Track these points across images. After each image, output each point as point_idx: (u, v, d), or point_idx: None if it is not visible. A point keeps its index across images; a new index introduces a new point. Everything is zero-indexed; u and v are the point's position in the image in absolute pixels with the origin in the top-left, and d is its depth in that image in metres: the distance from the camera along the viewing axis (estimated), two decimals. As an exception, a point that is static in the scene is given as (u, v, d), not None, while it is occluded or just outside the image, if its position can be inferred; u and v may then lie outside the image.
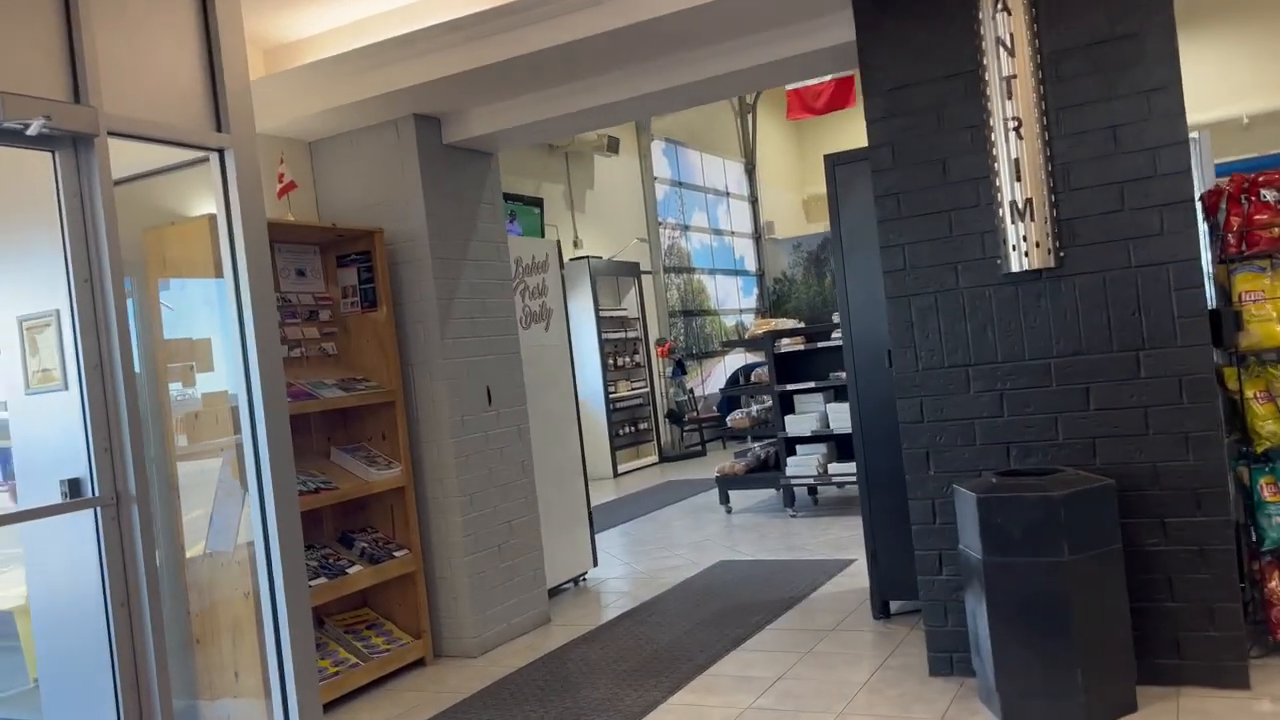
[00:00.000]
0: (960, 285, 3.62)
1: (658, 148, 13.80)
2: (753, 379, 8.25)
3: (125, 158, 3.15)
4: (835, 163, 4.64)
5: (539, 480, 5.50)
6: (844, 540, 6.41)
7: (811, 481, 7.35)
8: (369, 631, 4.55)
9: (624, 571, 6.27)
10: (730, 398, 13.86)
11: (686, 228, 14.38)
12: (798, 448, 7.57)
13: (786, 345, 7.49)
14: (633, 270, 12.20)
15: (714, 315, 14.91)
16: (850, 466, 7.13)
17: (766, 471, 7.88)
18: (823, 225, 17.77)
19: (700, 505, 8.49)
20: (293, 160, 4.84)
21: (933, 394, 3.68)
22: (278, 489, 3.26)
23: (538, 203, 10.79)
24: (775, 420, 7.54)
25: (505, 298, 5.12)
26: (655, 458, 12.17)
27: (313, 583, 4.13)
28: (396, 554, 4.56)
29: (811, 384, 7.40)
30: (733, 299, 15.59)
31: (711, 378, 14.42)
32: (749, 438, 8.42)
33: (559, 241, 6.29)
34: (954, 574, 3.67)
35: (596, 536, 7.32)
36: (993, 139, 3.50)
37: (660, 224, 13.48)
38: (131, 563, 3.06)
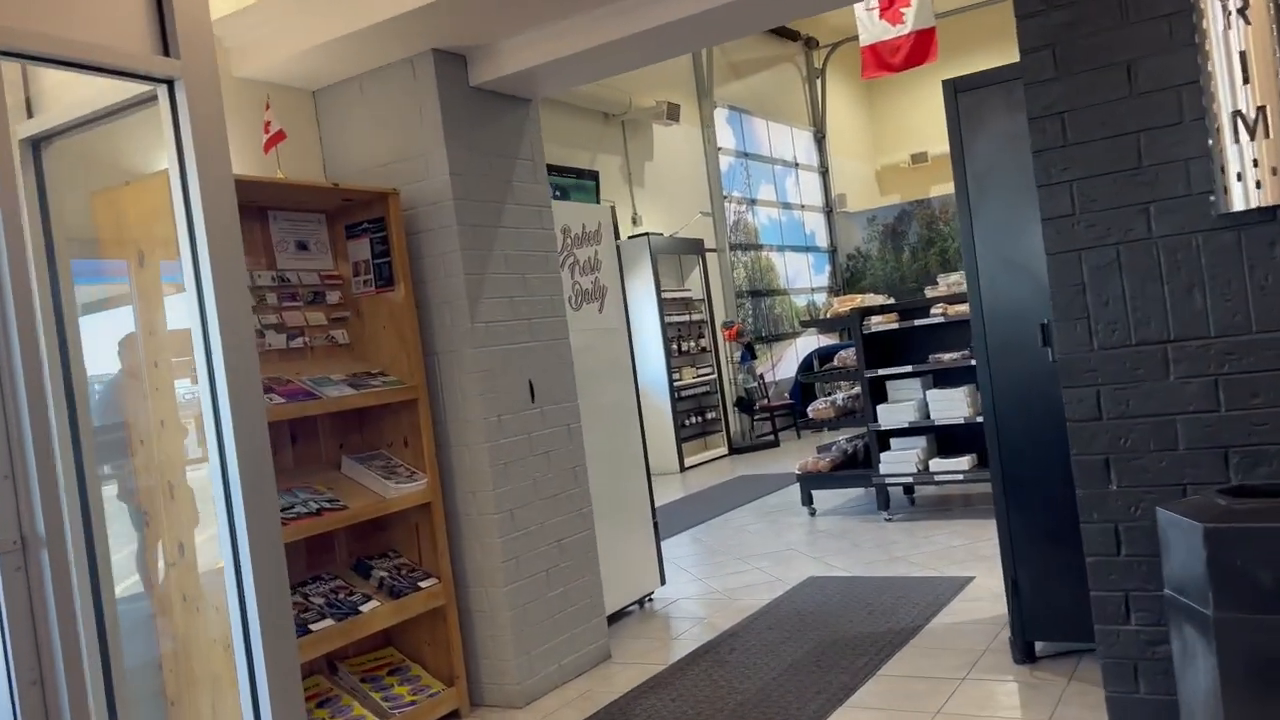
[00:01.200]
0: (1154, 233, 2.66)
1: (721, 116, 12.84)
2: (836, 362, 7.30)
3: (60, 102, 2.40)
4: (958, 89, 3.68)
5: (595, 486, 4.67)
6: (954, 551, 5.45)
7: (909, 481, 6.40)
8: (392, 678, 3.76)
9: (697, 590, 5.40)
10: (803, 384, 12.91)
11: (753, 202, 13.41)
12: (892, 441, 6.62)
13: (877, 324, 6.53)
14: (696, 248, 11.29)
15: (784, 295, 13.92)
16: (955, 462, 6.17)
17: (855, 468, 6.94)
18: (898, 197, 16.65)
19: (778, 506, 7.58)
20: (295, 112, 4.04)
21: (1114, 381, 2.73)
22: (251, 514, 2.47)
23: (593, 175, 9.94)
24: (865, 410, 6.60)
25: (550, 273, 4.27)
26: (724, 449, 11.28)
27: (317, 626, 3.35)
28: (423, 584, 3.75)
29: (908, 368, 6.43)
30: (803, 277, 14.58)
31: (782, 362, 13.46)
32: (827, 429, 7.46)
33: (614, 207, 5.41)
34: (1149, 623, 2.73)
35: (663, 545, 6.48)
36: (1205, 27, 2.53)
37: (725, 198, 12.54)
38: (44, 625, 2.29)
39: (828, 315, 6.95)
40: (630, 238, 10.47)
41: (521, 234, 4.13)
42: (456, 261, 3.82)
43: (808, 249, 14.85)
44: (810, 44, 15.35)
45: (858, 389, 7.36)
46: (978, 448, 6.47)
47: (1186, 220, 2.62)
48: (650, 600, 5.22)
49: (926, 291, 6.87)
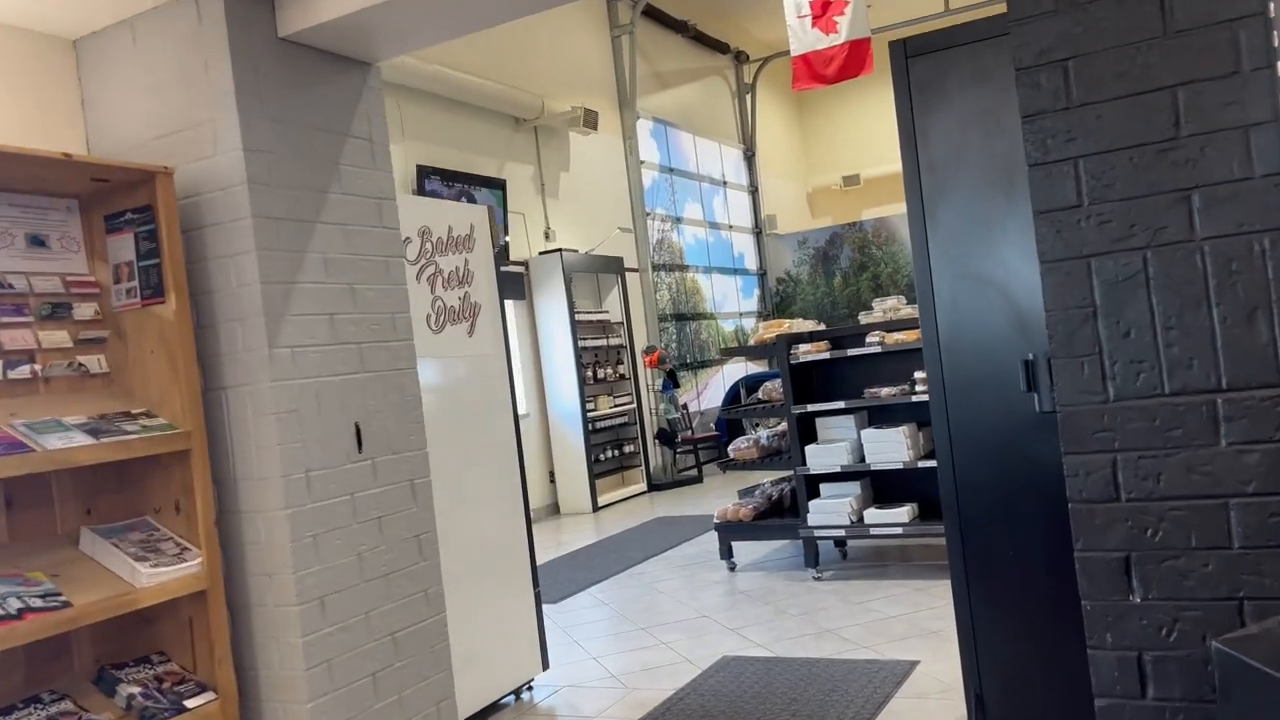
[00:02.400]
0: (1199, 233, 1.84)
1: (644, 128, 12.04)
2: (760, 394, 6.47)
3: None
4: (909, 53, 2.85)
5: (459, 549, 3.73)
6: (894, 624, 4.62)
7: (841, 534, 5.56)
8: (146, 832, 2.75)
9: (589, 675, 4.47)
10: (729, 419, 12.09)
11: (678, 220, 12.62)
12: (822, 487, 5.79)
13: (805, 353, 5.72)
14: (616, 266, 10.43)
15: (710, 319, 13.13)
16: (893, 513, 5.36)
17: (780, 517, 6.09)
18: (830, 219, 16.03)
19: (696, 557, 6.70)
20: (50, 67, 3.06)
21: (1139, 446, 1.90)
22: None
23: (500, 185, 9.02)
24: (792, 451, 5.76)
25: (392, 283, 3.33)
26: (643, 485, 10.38)
27: (13, 777, 2.34)
28: (193, 702, 2.76)
29: (840, 404, 5.62)
30: (731, 301, 13.82)
31: (708, 390, 12.64)
32: (750, 469, 6.61)
33: (492, 207, 4.49)
34: (1189, 800, 1.88)
35: (564, 602, 5.54)
36: (1281, -71, 1.73)
37: (648, 215, 11.72)
38: None
39: (753, 341, 6.10)
40: (542, 254, 9.57)
41: (352, 233, 3.19)
42: (250, 265, 2.86)
43: (736, 271, 14.10)
44: (740, 58, 14.69)
45: (779, 425, 6.53)
46: (918, 496, 5.68)
47: (1246, 214, 1.81)
48: (529, 690, 4.28)
49: (861, 318, 6.09)
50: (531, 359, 9.50)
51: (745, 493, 6.49)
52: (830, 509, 5.58)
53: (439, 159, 8.43)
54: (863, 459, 5.58)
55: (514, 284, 9.30)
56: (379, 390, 3.22)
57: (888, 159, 16.25)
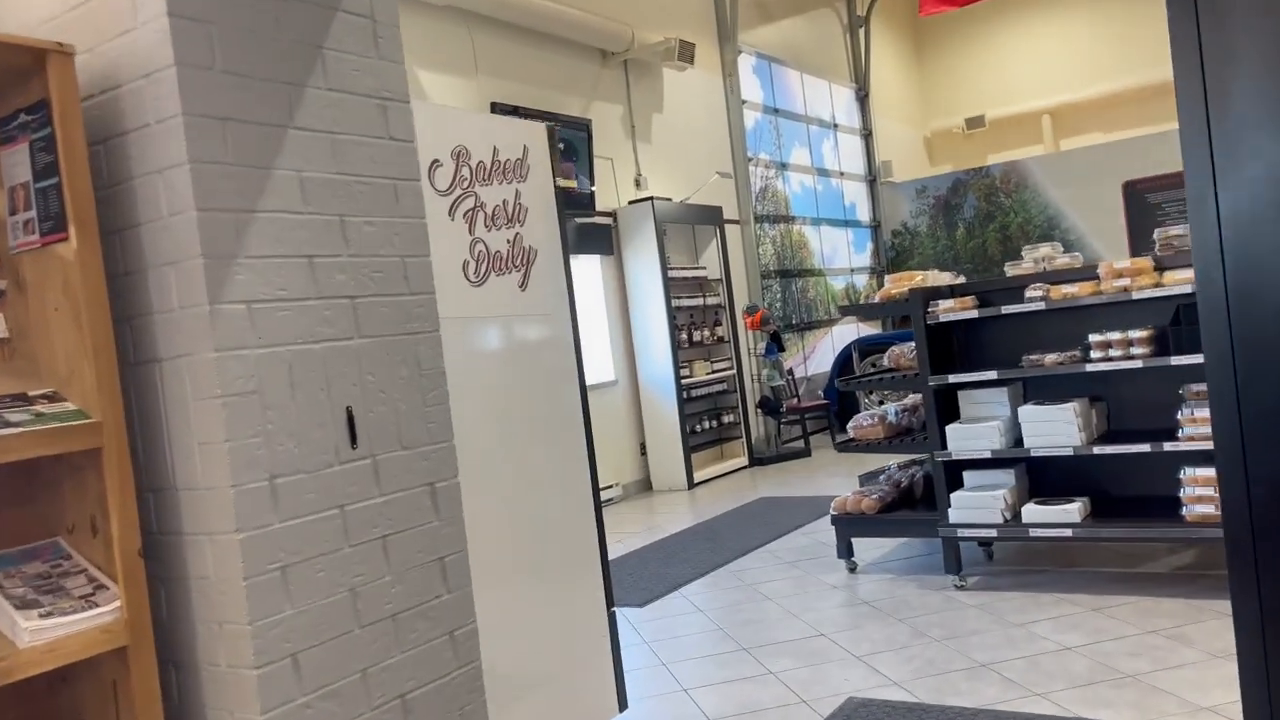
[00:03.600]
0: None
1: (746, 63, 10.92)
2: (886, 361, 5.42)
3: None
4: None
5: (495, 541, 2.87)
6: (1073, 659, 3.57)
7: (992, 534, 4.51)
8: None
9: (682, 713, 3.57)
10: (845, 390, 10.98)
11: (784, 166, 11.49)
12: (965, 476, 4.74)
13: (946, 311, 4.65)
14: (714, 218, 9.41)
15: (819, 275, 12.01)
16: (1061, 510, 4.29)
17: (912, 509, 5.07)
18: (950, 166, 14.62)
19: (810, 550, 5.73)
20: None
21: None
22: None
23: (584, 126, 8.09)
24: (929, 431, 4.72)
25: (401, 217, 2.44)
26: (744, 460, 9.42)
27: None
28: (111, 804, 1.95)
29: (991, 374, 4.54)
30: (841, 255, 12.65)
31: (815, 354, 11.56)
32: (874, 451, 5.55)
33: (553, 127, 3.54)
34: None
35: (653, 606, 4.68)
36: None
37: (750, 160, 10.64)
38: None
39: (878, 298, 5.06)
40: (631, 203, 8.62)
41: (343, 145, 2.30)
42: (184, 185, 2.00)
43: (847, 223, 12.91)
44: (853, -13, 13.37)
45: (910, 399, 5.48)
46: (1089, 489, 4.58)
47: None
48: (602, 736, 3.41)
49: (1008, 269, 4.97)
50: (620, 320, 8.60)
51: (868, 478, 5.49)
52: (978, 503, 4.54)
53: (515, 95, 7.54)
54: (1018, 442, 4.51)
55: (600, 237, 8.40)
56: (383, 362, 2.34)
57: (1015, 97, 14.75)
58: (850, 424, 5.25)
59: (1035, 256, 5.02)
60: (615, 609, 3.47)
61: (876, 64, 13.82)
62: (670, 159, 9.43)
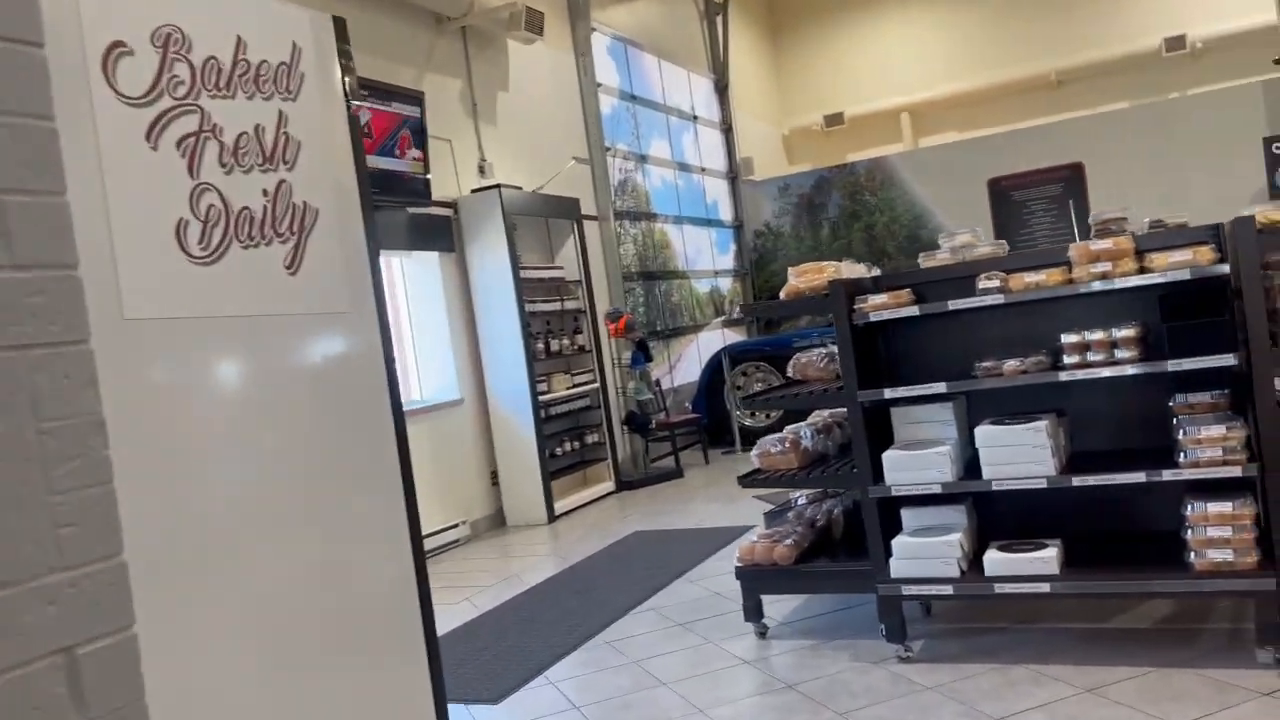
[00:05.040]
0: None
1: (600, 43, 9.86)
2: (792, 371, 4.42)
3: None
4: None
5: (283, 651, 1.65)
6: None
7: (947, 590, 3.55)
8: None
9: None
10: (708, 394, 10.08)
11: (643, 159, 10.50)
12: (904, 513, 3.78)
13: (878, 309, 3.68)
14: (571, 210, 8.29)
15: (683, 278, 11.06)
16: (1032, 559, 3.36)
17: (834, 557, 4.08)
18: (809, 165, 14.00)
19: (703, 604, 4.67)
20: None
21: None
22: None
23: (416, 99, 6.82)
24: (858, 458, 3.73)
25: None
26: (611, 484, 8.32)
27: None
28: None
29: (939, 386, 3.59)
30: (705, 257, 11.76)
31: (681, 364, 10.60)
32: (783, 486, 4.51)
33: (343, 20, 2.33)
34: None
35: (512, 700, 3.48)
36: None
37: (608, 150, 9.58)
38: None
39: (783, 295, 4.04)
40: (475, 191, 7.40)
41: None
42: None
43: (710, 222, 12.03)
44: (710, -28, 12.54)
45: (820, 417, 4.50)
46: (1059, 527, 3.68)
47: None
48: None
49: (922, 261, 4.06)
50: (465, 328, 7.36)
51: (775, 515, 4.47)
52: (926, 551, 3.57)
53: (330, 59, 6.20)
54: (970, 471, 3.57)
55: (438, 230, 7.14)
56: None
57: (874, 95, 14.29)
58: (755, 451, 4.21)
59: (954, 245, 4.13)
60: (459, 705, 2.29)
61: (735, 55, 13.05)
62: (519, 143, 8.25)
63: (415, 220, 6.89)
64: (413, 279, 7.20)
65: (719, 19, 12.61)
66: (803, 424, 4.32)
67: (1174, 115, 11.06)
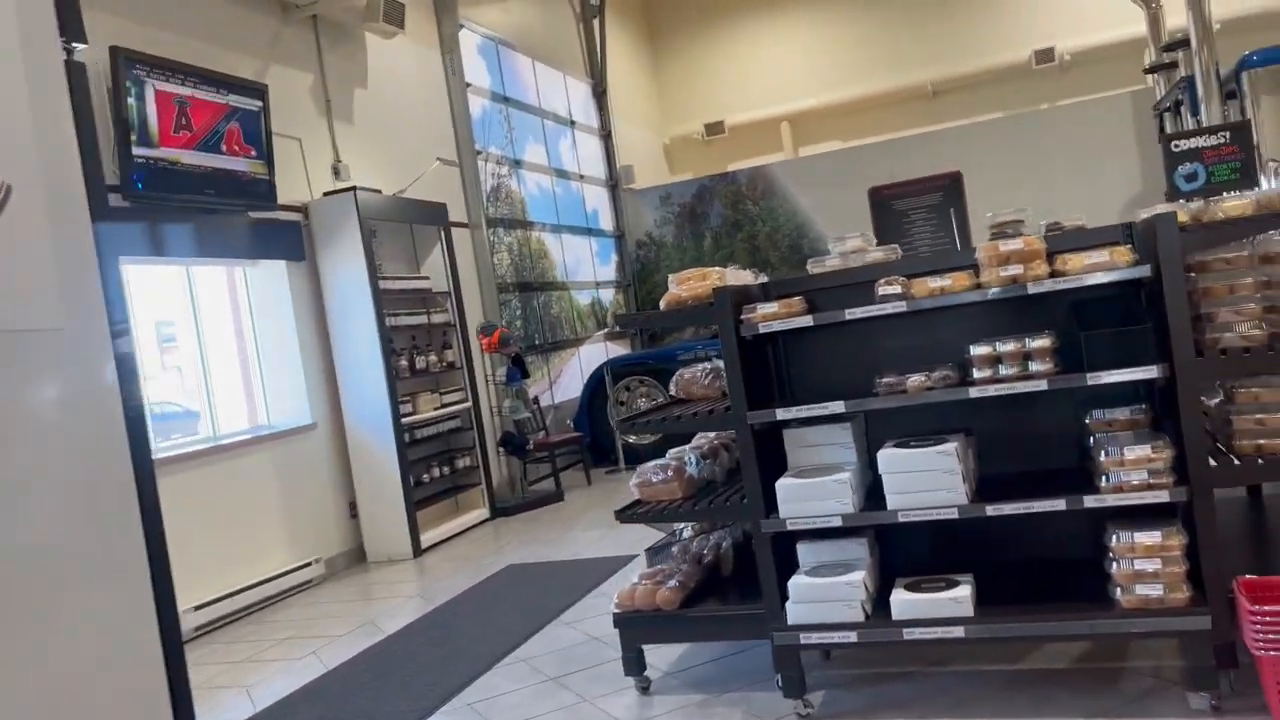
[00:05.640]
0: None
1: (470, 41, 9.30)
2: (675, 389, 3.97)
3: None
4: None
5: None
6: None
7: (851, 638, 3.14)
8: None
9: None
10: (591, 411, 9.59)
11: (518, 163, 9.96)
12: (801, 550, 3.36)
13: (768, 319, 3.27)
14: (437, 217, 7.69)
15: (563, 289, 10.56)
16: (941, 600, 2.98)
17: (723, 598, 3.63)
18: (691, 173, 13.71)
19: (578, 652, 4.16)
20: None
21: None
22: None
23: (258, 92, 6.13)
24: (748, 487, 3.30)
25: None
26: (485, 511, 7.73)
27: None
28: None
29: (836, 405, 3.18)
30: (586, 267, 11.29)
31: (562, 380, 10.09)
32: (666, 519, 4.03)
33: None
34: None
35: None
36: None
37: (479, 154, 9.01)
38: None
39: (663, 304, 3.58)
40: (328, 194, 6.74)
41: None
42: None
43: (590, 231, 11.57)
44: (586, -27, 12.12)
45: (705, 440, 4.06)
46: (969, 560, 3.32)
47: None
48: None
49: (810, 268, 3.68)
50: (317, 346, 6.68)
51: (658, 551, 4.00)
52: (827, 593, 3.16)
53: (154, 44, 5.49)
54: (878, 501, 3.18)
55: (285, 237, 6.45)
56: None
57: (754, 104, 14.12)
58: (634, 479, 3.73)
59: (844, 250, 3.76)
60: None
61: (613, 60, 12.65)
62: (379, 144, 7.62)
63: (258, 226, 6.19)
64: (257, 291, 6.48)
65: (596, 23, 12.19)
66: (687, 447, 3.86)
67: (1046, 125, 11.17)
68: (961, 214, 10.50)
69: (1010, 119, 11.65)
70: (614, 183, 12.34)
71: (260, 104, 6.11)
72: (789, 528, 3.21)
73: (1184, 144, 3.83)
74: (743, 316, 3.31)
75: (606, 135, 12.32)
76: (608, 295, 11.69)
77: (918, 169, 11.81)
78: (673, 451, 3.87)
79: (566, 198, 11.05)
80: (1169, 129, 9.48)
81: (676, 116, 14.65)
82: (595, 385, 9.66)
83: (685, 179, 13.05)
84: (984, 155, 11.07)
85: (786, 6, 14.05)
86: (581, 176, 11.50)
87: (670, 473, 3.63)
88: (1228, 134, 3.76)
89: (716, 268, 3.85)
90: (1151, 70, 9.80)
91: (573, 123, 11.48)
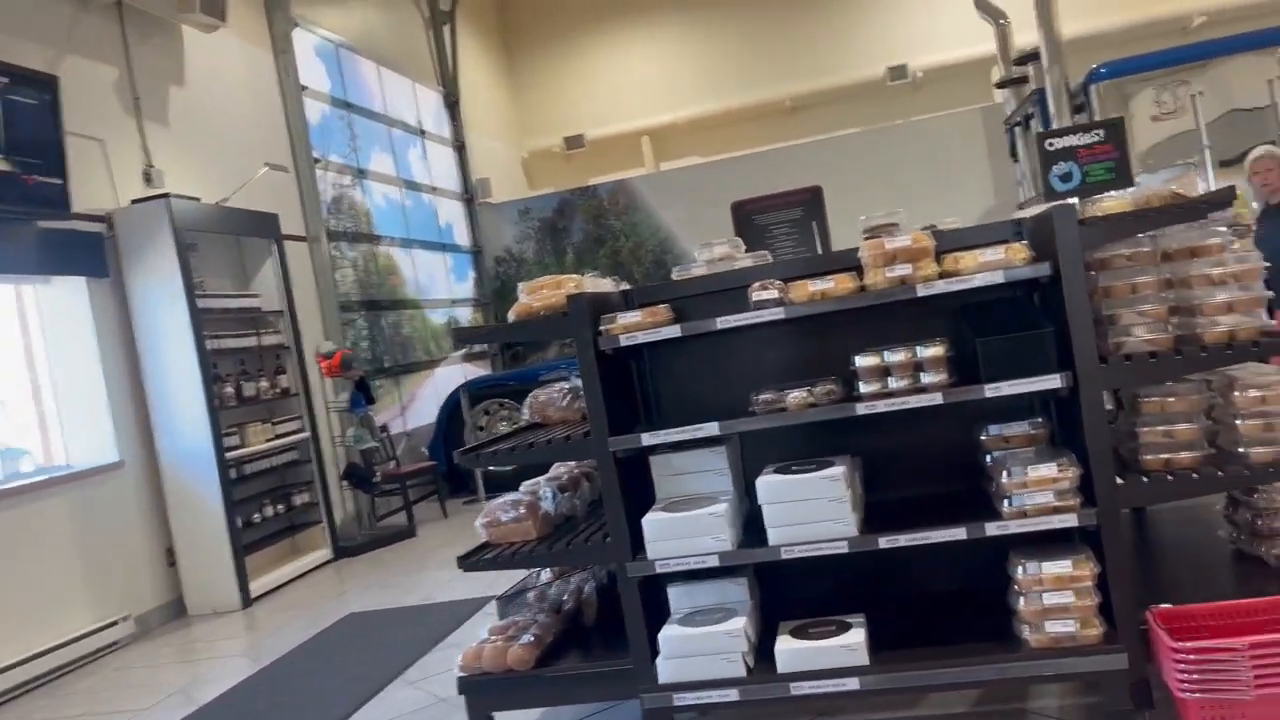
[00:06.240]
0: None
1: (306, 42, 8.61)
2: (529, 412, 3.50)
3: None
4: None
5: None
6: None
7: (732, 696, 2.72)
8: None
9: None
10: (447, 437, 8.99)
11: (362, 173, 9.30)
12: (672, 593, 2.94)
13: (630, 331, 2.84)
14: (267, 228, 6.99)
15: (414, 308, 9.92)
16: (833, 647, 2.61)
17: (586, 652, 3.16)
18: (551, 188, 13.27)
19: (423, 715, 3.62)
20: None
21: None
22: None
23: (47, 85, 5.36)
24: (612, 524, 2.85)
25: None
26: (327, 552, 7.03)
27: None
28: None
29: (710, 427, 2.77)
30: (440, 284, 10.67)
31: (416, 404, 9.44)
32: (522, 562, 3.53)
33: None
34: None
35: None
36: None
37: (318, 162, 8.32)
38: None
39: (512, 315, 3.11)
40: (137, 202, 5.98)
41: None
42: None
43: (444, 247, 10.97)
44: (434, -23, 11.56)
45: (565, 469, 3.60)
46: (856, 596, 2.96)
47: None
48: None
49: (675, 276, 3.31)
50: (125, 373, 5.90)
51: (511, 599, 3.51)
52: (702, 645, 2.73)
53: (-93, 22, 4.68)
54: (758, 535, 2.78)
55: (84, 250, 5.66)
56: None
57: (614, 118, 13.82)
58: (481, 519, 3.23)
59: (711, 257, 3.39)
60: None
61: (467, 70, 12.11)
62: (201, 149, 6.87)
63: (49, 237, 5.39)
64: (49, 312, 5.66)
65: (446, 30, 11.62)
66: (543, 479, 3.39)
67: (901, 140, 11.25)
68: (823, 227, 10.45)
69: (867, 134, 11.70)
70: (469, 196, 11.78)
71: (48, 98, 5.33)
72: (658, 570, 2.78)
73: (1058, 142, 3.66)
74: (601, 328, 2.88)
75: (460, 147, 11.75)
76: (465, 313, 11.10)
77: (779, 183, 11.73)
78: (527, 484, 3.40)
79: (418, 211, 10.43)
80: (1019, 144, 9.64)
81: (535, 129, 14.21)
82: (451, 409, 9.06)
83: (545, 193, 12.61)
84: (842, 169, 11.07)
85: (645, 21, 13.85)
86: (434, 189, 10.89)
87: (523, 509, 3.15)
88: (1102, 131, 3.62)
89: (574, 275, 3.42)
90: (1003, 85, 9.96)
91: (423, 132, 10.87)
